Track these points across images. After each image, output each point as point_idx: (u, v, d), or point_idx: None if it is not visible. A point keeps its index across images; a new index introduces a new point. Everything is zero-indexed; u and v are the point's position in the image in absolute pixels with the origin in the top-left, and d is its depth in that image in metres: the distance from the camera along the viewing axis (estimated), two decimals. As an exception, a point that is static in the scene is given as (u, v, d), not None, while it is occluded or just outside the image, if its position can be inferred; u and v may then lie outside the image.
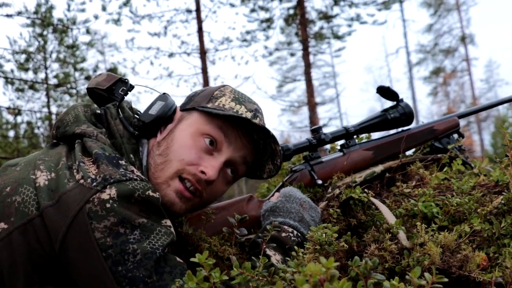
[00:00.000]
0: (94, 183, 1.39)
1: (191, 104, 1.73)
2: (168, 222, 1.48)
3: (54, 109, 14.25)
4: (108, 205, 1.35)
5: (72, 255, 1.36)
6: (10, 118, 13.01)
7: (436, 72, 35.95)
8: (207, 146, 1.65)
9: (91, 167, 1.46)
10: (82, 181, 1.40)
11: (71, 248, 1.35)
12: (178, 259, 1.43)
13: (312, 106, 15.54)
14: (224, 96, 1.73)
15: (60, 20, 12.95)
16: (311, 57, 17.41)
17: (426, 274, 0.93)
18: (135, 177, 1.44)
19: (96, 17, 13.16)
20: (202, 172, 1.62)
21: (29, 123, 12.95)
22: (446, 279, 0.92)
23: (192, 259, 1.11)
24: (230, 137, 1.69)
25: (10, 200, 1.43)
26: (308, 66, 16.12)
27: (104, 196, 1.36)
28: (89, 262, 1.34)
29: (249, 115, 1.71)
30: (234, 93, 1.76)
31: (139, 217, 1.38)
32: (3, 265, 1.40)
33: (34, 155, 1.60)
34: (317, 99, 20.11)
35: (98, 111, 1.71)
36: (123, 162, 1.51)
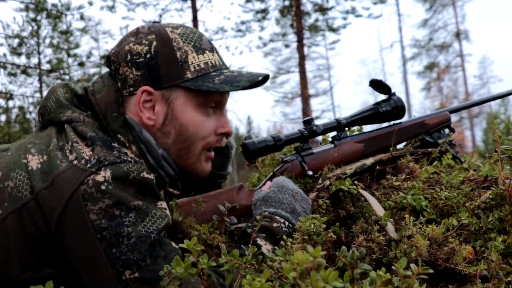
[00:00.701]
0: (89, 165, 1.39)
1: (168, 81, 1.59)
2: (164, 205, 1.48)
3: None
4: (103, 187, 1.35)
5: (67, 236, 1.36)
6: (2, 102, 12.93)
7: (430, 67, 35.98)
8: (211, 111, 1.66)
9: (85, 148, 1.45)
10: (75, 162, 1.41)
11: (66, 229, 1.36)
12: (173, 244, 1.43)
13: (305, 98, 15.55)
14: (188, 54, 1.60)
15: (54, 5, 12.85)
16: (305, 49, 17.40)
17: (412, 265, 0.94)
18: (129, 159, 1.44)
19: (90, 3, 13.07)
20: (222, 134, 1.70)
21: (21, 108, 12.87)
22: (431, 271, 0.93)
23: (180, 245, 1.12)
24: (223, 91, 1.66)
25: (2, 186, 1.43)
26: (302, 58, 16.12)
27: (99, 178, 1.36)
28: (84, 243, 1.35)
29: (216, 57, 1.67)
30: (187, 40, 1.63)
31: (134, 199, 1.38)
32: None
33: (24, 140, 1.60)
34: (311, 91, 20.13)
35: (79, 91, 1.66)
36: (115, 145, 1.50)
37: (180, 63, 1.59)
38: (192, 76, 1.59)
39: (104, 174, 1.37)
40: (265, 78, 1.68)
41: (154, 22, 1.69)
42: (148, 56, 1.58)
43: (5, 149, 1.59)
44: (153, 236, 1.37)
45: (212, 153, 1.72)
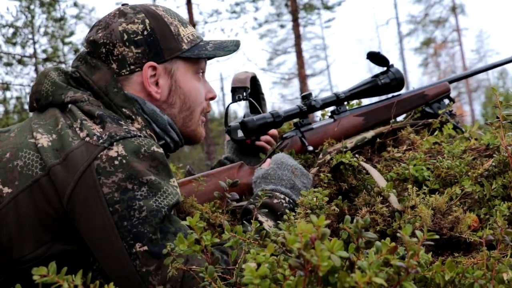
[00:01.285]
0: (101, 140, 1.40)
1: (169, 54, 1.67)
2: (176, 182, 1.49)
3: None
4: (116, 162, 1.37)
5: (79, 210, 1.38)
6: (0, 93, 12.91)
7: (427, 42, 35.82)
8: (201, 77, 1.79)
9: (95, 126, 1.47)
10: (87, 138, 1.42)
11: (78, 203, 1.37)
12: (182, 222, 1.43)
13: (302, 78, 15.51)
14: (178, 28, 1.71)
15: (47, -7, 12.79)
16: (301, 29, 17.32)
17: (417, 232, 0.93)
18: (139, 134, 1.46)
19: (83, -11, 12.97)
20: (211, 98, 1.84)
21: (18, 98, 12.86)
22: (437, 236, 0.93)
23: (183, 222, 1.11)
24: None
25: (11, 165, 1.44)
26: (298, 38, 16.04)
27: (112, 153, 1.38)
28: (96, 216, 1.36)
29: (193, 28, 1.80)
30: (172, 16, 1.73)
31: (147, 174, 1.40)
32: (11, 228, 1.40)
33: (25, 122, 1.60)
34: (308, 71, 20.08)
35: (73, 73, 1.66)
36: (123, 122, 1.52)
37: (175, 36, 1.68)
38: (188, 47, 1.69)
39: (117, 149, 1.39)
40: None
41: (123, 4, 1.71)
42: (145, 33, 1.64)
43: (6, 131, 1.59)
44: (164, 211, 1.37)
45: (204, 118, 1.83)
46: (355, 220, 0.96)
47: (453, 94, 2.43)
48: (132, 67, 1.62)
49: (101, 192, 1.35)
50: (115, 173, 1.36)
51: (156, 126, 1.66)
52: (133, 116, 1.59)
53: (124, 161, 1.38)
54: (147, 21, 1.64)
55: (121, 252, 1.34)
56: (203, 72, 1.80)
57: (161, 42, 1.65)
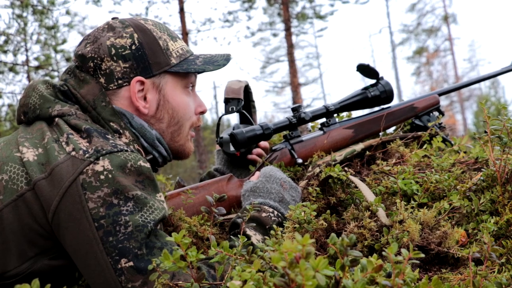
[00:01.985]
0: (87, 155, 1.40)
1: (156, 69, 1.65)
2: (162, 197, 1.49)
3: (35, 91, 14.09)
4: (102, 177, 1.36)
5: (65, 225, 1.36)
6: (-9, 101, 12.85)
7: (419, 51, 35.98)
8: (190, 92, 1.78)
9: (82, 140, 1.46)
10: (73, 153, 1.41)
11: (63, 218, 1.36)
12: (168, 237, 1.42)
13: (295, 86, 15.52)
14: (167, 42, 1.69)
15: (39, 1, 12.76)
16: (293, 38, 17.36)
17: (403, 250, 0.93)
18: (125, 148, 1.45)
19: (75, -3, 12.97)
20: (201, 112, 1.82)
21: (10, 105, 12.81)
22: (422, 255, 0.92)
23: (168, 238, 1.10)
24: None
25: None
26: (291, 47, 16.06)
27: (98, 167, 1.37)
28: (81, 231, 1.35)
29: (184, 44, 1.78)
30: (161, 30, 1.71)
31: (133, 189, 1.39)
32: None
33: (12, 136, 1.59)
34: (301, 80, 20.12)
35: (61, 86, 1.64)
36: (110, 136, 1.51)
37: (164, 50, 1.67)
38: (176, 61, 1.69)
39: (103, 164, 1.38)
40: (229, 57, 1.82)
41: (113, 18, 1.70)
42: (133, 47, 1.63)
43: None
44: (150, 226, 1.36)
45: (194, 133, 1.82)
46: (340, 238, 0.95)
47: (445, 103, 2.44)
48: (120, 81, 1.62)
49: (87, 207, 1.34)
50: (100, 187, 1.35)
51: (144, 140, 1.65)
52: (121, 131, 1.58)
53: (109, 175, 1.37)
54: (135, 35, 1.64)
55: (106, 268, 1.33)
56: (193, 86, 1.79)
57: (149, 57, 1.64)
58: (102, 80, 1.62)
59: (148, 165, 1.47)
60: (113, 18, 1.71)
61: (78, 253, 1.38)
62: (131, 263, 1.32)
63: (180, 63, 1.70)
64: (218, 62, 1.75)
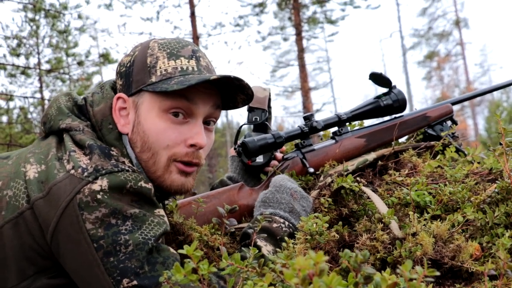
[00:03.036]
0: (86, 173, 1.37)
1: (135, 87, 1.54)
2: (161, 212, 1.46)
3: (46, 94, 14.20)
4: (99, 196, 1.33)
5: (64, 246, 1.35)
6: (3, 103, 12.93)
7: (430, 56, 35.95)
8: (178, 119, 1.53)
9: (83, 157, 1.43)
10: (72, 171, 1.39)
11: (62, 239, 1.34)
12: (171, 249, 1.41)
13: (305, 91, 15.49)
14: (158, 60, 1.54)
15: (51, 5, 12.84)
16: (304, 42, 17.33)
17: (418, 268, 0.91)
18: (126, 168, 1.42)
19: (87, 2, 13.03)
20: (192, 145, 1.54)
21: (21, 108, 12.88)
22: (437, 273, 0.90)
23: (180, 251, 1.09)
24: (194, 97, 1.54)
25: (1, 195, 1.42)
26: (301, 51, 16.05)
27: (95, 187, 1.34)
28: (80, 253, 1.33)
29: (192, 63, 1.56)
30: (164, 48, 1.57)
31: (131, 208, 1.36)
32: None
33: (26, 148, 1.58)
34: (311, 84, 20.07)
35: (79, 101, 1.63)
36: (114, 152, 1.49)
37: (148, 68, 1.54)
38: (156, 80, 1.52)
39: (101, 183, 1.35)
40: (226, 78, 1.53)
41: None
42: (128, 65, 1.59)
43: (6, 157, 1.57)
44: (150, 243, 1.34)
45: (188, 167, 1.57)
46: (354, 254, 0.94)
47: (456, 107, 2.41)
48: None
49: (84, 228, 1.32)
50: (98, 208, 1.33)
51: None
52: (120, 158, 1.50)
53: (105, 196, 1.34)
54: (136, 53, 1.59)
55: None
56: (189, 114, 1.55)
57: (134, 74, 1.56)
58: None
59: (149, 186, 1.43)
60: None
61: (79, 274, 1.36)
62: (134, 282, 1.30)
63: (158, 82, 1.52)
64: (189, 81, 1.46)
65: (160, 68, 1.53)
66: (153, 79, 1.52)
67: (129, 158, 1.55)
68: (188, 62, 1.56)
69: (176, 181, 1.56)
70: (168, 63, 1.54)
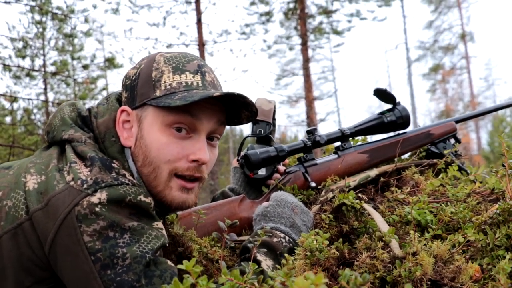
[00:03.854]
0: (85, 185, 1.36)
1: (140, 100, 1.55)
2: (160, 225, 1.45)
3: (51, 96, 14.25)
4: (97, 209, 1.33)
5: (61, 258, 1.34)
6: (7, 104, 12.96)
7: (435, 69, 35.96)
8: (180, 134, 1.53)
9: (83, 169, 1.43)
10: (72, 182, 1.38)
11: (59, 251, 1.34)
12: (169, 262, 1.40)
13: (309, 101, 15.50)
14: (163, 74, 1.54)
15: (58, 8, 12.89)
16: (309, 52, 17.35)
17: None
18: (126, 182, 1.41)
19: (94, 6, 13.09)
20: (194, 161, 1.54)
21: (25, 109, 12.92)
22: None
23: (179, 266, 1.09)
24: (197, 113, 1.54)
25: (1, 205, 1.42)
26: (306, 61, 16.07)
27: (94, 199, 1.34)
28: (77, 265, 1.32)
29: (197, 79, 1.56)
30: (169, 62, 1.57)
31: (129, 221, 1.36)
32: None
33: (27, 158, 1.58)
34: (315, 93, 20.06)
35: (83, 112, 1.64)
36: (115, 165, 1.48)
37: (153, 82, 1.55)
38: (160, 94, 1.52)
39: (100, 196, 1.34)
40: (231, 95, 1.53)
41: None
42: (133, 78, 1.59)
43: (8, 167, 1.57)
44: (148, 256, 1.34)
45: (189, 183, 1.57)
46: (353, 276, 0.94)
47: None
48: None
49: (82, 240, 1.31)
50: (96, 220, 1.32)
51: None
52: (120, 171, 1.49)
53: (104, 209, 1.34)
54: (141, 67, 1.59)
55: None
56: (192, 129, 1.54)
57: (138, 87, 1.56)
58: None
59: (149, 200, 1.43)
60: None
61: (77, 286, 1.35)
62: None
63: (162, 96, 1.52)
64: (192, 97, 1.47)
65: (164, 82, 1.53)
66: (157, 93, 1.52)
67: (131, 172, 1.54)
68: (193, 77, 1.56)
69: (177, 198, 1.56)
70: (173, 78, 1.54)
